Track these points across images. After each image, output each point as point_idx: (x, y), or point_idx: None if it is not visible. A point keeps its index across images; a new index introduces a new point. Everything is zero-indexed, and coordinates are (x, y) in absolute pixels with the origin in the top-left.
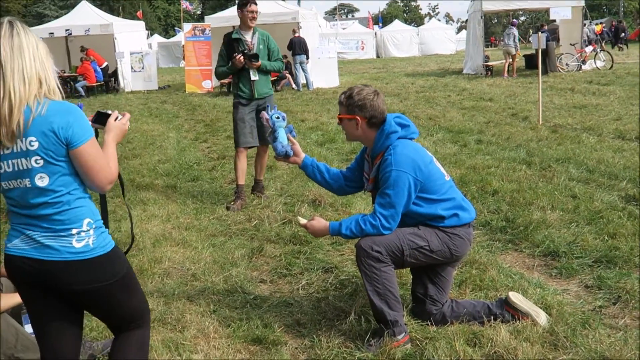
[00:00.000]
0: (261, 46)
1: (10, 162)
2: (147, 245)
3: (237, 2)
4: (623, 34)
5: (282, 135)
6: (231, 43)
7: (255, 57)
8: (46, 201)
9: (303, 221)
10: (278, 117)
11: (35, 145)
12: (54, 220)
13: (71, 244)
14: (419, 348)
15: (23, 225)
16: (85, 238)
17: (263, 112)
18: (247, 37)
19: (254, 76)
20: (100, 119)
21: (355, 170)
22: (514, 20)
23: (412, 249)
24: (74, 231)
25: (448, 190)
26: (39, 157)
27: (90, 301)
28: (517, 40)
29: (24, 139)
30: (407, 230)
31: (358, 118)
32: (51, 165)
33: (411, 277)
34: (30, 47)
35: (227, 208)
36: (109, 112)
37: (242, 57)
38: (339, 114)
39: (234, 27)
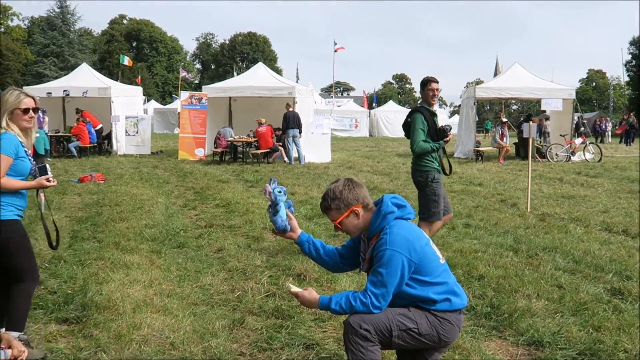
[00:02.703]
0: None
1: None
2: (127, 310)
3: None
4: (582, 129)
5: (282, 209)
6: (432, 118)
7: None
8: None
9: (295, 289)
10: (280, 191)
11: None
12: None
13: None
14: None
15: None
16: None
17: (266, 185)
18: None
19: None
20: (42, 171)
21: (351, 248)
22: (505, 119)
23: (400, 330)
24: None
25: (442, 274)
26: None
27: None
28: (499, 136)
29: None
30: (397, 310)
31: (355, 208)
32: None
33: (394, 358)
34: None
35: None
36: (49, 173)
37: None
38: (335, 220)
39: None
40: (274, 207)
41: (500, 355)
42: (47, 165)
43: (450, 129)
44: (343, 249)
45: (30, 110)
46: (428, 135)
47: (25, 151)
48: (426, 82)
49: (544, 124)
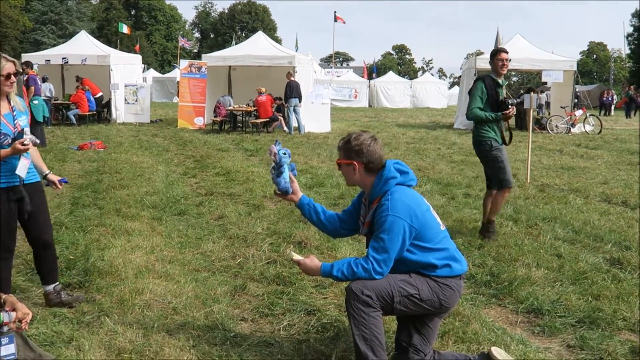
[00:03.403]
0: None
1: None
2: (129, 275)
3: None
4: (576, 100)
5: (286, 171)
6: (495, 88)
7: (521, 105)
8: None
9: (297, 257)
10: (285, 153)
11: None
12: None
13: None
14: None
15: None
16: None
17: (272, 146)
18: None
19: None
20: (19, 137)
21: (351, 213)
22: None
23: (402, 296)
24: None
25: (442, 240)
26: None
27: None
28: None
29: None
30: (398, 276)
31: (355, 163)
32: None
33: (395, 324)
34: None
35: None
36: (25, 136)
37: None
38: (338, 159)
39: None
40: (277, 169)
41: (500, 323)
42: (25, 128)
43: (517, 103)
44: (343, 214)
45: (12, 76)
46: (487, 104)
47: None
48: (495, 53)
49: (540, 96)
